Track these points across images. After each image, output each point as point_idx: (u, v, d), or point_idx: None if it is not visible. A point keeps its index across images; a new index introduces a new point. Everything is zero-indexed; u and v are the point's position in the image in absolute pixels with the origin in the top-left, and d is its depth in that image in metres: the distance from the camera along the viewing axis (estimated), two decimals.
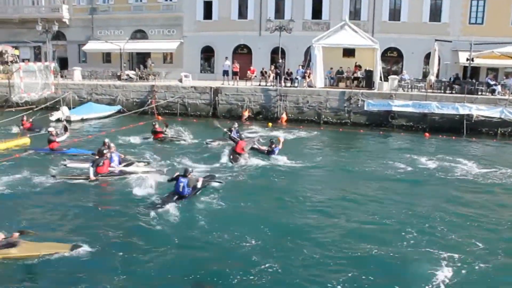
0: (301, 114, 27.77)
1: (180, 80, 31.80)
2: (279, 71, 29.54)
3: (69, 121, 26.44)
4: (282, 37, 30.51)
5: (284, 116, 27.45)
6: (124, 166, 15.06)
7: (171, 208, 11.67)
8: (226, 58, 33.44)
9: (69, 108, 28.86)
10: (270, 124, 26.64)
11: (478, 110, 25.75)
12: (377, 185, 14.80)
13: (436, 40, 29.98)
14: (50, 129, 19.06)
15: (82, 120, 27.46)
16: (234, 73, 31.54)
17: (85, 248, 9.40)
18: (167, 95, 30.23)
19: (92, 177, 13.95)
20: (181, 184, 12.38)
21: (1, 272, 8.55)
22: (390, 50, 35.98)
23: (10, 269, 8.65)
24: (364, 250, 9.71)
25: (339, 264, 9.05)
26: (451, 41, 32.54)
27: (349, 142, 22.82)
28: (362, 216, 11.82)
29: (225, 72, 31.61)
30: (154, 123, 22.04)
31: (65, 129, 20.55)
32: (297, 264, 9.04)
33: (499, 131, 25.67)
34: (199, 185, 12.70)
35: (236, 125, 21.22)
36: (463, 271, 8.89)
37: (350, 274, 8.64)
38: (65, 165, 15.61)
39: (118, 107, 30.00)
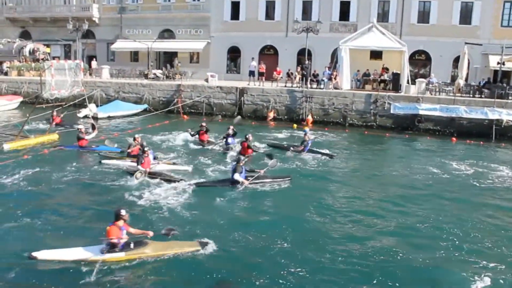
0: (327, 116, 27.65)
1: (206, 80, 32.03)
2: (305, 73, 29.50)
3: (96, 118, 26.93)
4: (309, 38, 30.47)
5: (309, 118, 27.37)
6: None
7: None
8: (253, 58, 33.54)
9: (97, 106, 29.38)
10: (295, 125, 26.58)
11: (508, 115, 25.23)
12: (403, 190, 14.64)
13: (466, 43, 29.46)
14: (80, 126, 19.44)
15: (109, 117, 27.92)
16: (260, 74, 31.59)
17: (212, 245, 9.54)
18: (193, 94, 30.48)
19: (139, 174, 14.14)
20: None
21: (136, 272, 8.63)
22: (418, 52, 35.52)
23: (144, 269, 8.76)
24: (394, 255, 9.64)
25: (368, 271, 8.99)
26: (481, 44, 31.92)
27: (375, 145, 22.57)
28: (389, 221, 11.71)
29: (251, 73, 31.70)
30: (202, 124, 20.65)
31: (93, 127, 20.94)
32: (323, 268, 9.03)
33: None
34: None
35: (230, 131, 19.58)
36: (499, 282, 8.68)
37: (376, 280, 8.59)
38: (100, 161, 16.06)
39: (145, 105, 30.39)
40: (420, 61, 36.07)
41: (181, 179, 14.08)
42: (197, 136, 20.32)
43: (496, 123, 25.03)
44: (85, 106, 28.64)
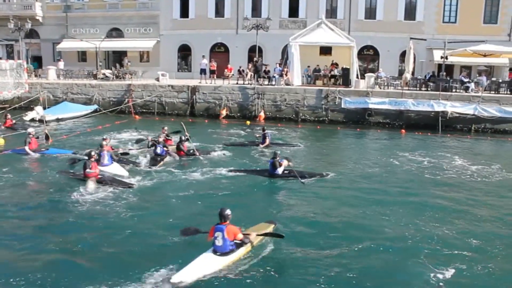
0: (279, 112, 27.84)
1: (157, 79, 31.54)
2: (259, 69, 29.59)
3: (43, 121, 25.97)
4: (259, 35, 30.56)
5: (262, 114, 27.46)
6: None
7: None
8: (203, 56, 33.30)
9: (44, 108, 28.33)
10: (248, 122, 26.67)
11: (452, 107, 26.21)
12: (356, 181, 14.89)
13: (411, 38, 30.40)
14: (30, 130, 18.51)
15: (58, 120, 26.98)
16: (212, 72, 31.41)
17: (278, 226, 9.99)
18: (144, 94, 29.96)
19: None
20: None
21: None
22: (366, 48, 36.35)
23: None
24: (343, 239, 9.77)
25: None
26: (425, 40, 33.00)
27: (327, 139, 22.89)
28: (346, 214, 11.87)
29: (202, 71, 31.48)
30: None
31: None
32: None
33: (473, 128, 26.21)
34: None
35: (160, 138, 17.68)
36: (464, 273, 8.68)
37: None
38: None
39: (94, 106, 29.56)
40: (369, 56, 36.93)
41: (132, 184, 13.51)
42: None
43: (442, 115, 25.95)
44: (32, 109, 27.63)
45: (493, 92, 28.40)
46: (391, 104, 26.48)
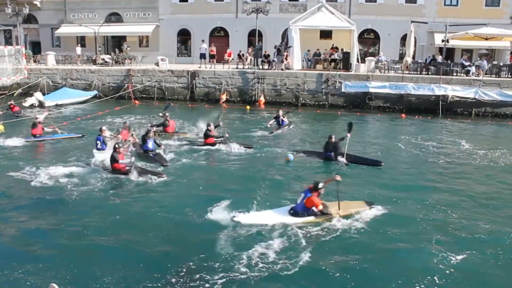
0: (279, 97, 27.75)
1: (157, 64, 31.42)
2: (261, 53, 29.48)
3: (43, 107, 26.01)
4: (259, 19, 30.30)
5: (262, 99, 27.39)
6: None
7: None
8: (203, 41, 33.09)
9: (43, 94, 28.28)
10: (248, 107, 26.63)
11: (453, 90, 26.11)
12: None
13: (412, 21, 30.24)
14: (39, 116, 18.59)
15: (57, 106, 26.94)
16: (211, 56, 31.24)
17: (379, 208, 10.68)
18: (143, 79, 29.84)
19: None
20: None
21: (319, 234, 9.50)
22: (367, 31, 36.06)
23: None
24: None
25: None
26: (427, 23, 32.81)
27: (327, 123, 22.84)
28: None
29: (202, 55, 31.30)
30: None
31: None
32: None
33: (473, 111, 26.12)
34: None
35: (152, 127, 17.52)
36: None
37: None
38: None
39: (94, 92, 29.49)
40: (369, 39, 36.64)
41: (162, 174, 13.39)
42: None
43: (442, 98, 25.85)
44: (31, 95, 27.57)
45: (494, 75, 28.23)
46: (391, 88, 26.36)
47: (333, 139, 15.07)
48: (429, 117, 24.68)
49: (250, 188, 12.01)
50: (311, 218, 9.95)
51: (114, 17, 39.35)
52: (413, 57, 30.80)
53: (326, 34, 31.41)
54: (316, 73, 27.58)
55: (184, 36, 38.74)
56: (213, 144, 16.65)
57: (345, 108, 26.50)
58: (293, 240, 9.14)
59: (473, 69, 28.25)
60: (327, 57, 29.83)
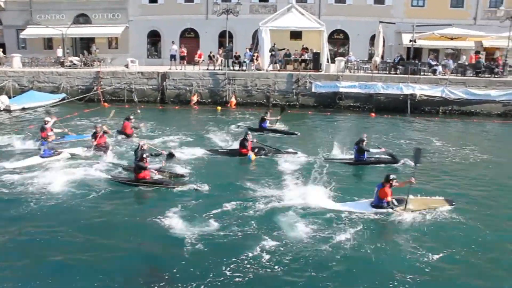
0: (250, 97, 27.81)
1: (127, 66, 31.04)
2: (232, 54, 29.46)
3: (9, 111, 25.37)
4: (230, 20, 30.26)
5: (233, 100, 27.38)
6: None
7: None
8: (173, 42, 32.91)
9: (9, 97, 27.58)
10: (219, 108, 26.60)
11: (421, 89, 26.67)
12: (319, 163, 15.10)
13: (380, 22, 30.71)
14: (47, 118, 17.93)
15: (23, 109, 26.30)
16: (182, 58, 31.07)
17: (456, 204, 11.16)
18: (113, 81, 29.41)
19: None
20: None
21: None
22: (336, 32, 36.47)
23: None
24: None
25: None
26: (394, 23, 33.36)
27: (298, 124, 22.90)
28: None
29: (172, 57, 31.10)
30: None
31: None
32: None
33: (440, 110, 26.72)
34: None
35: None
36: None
37: None
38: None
39: (62, 95, 28.89)
40: (339, 40, 37.05)
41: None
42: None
43: (411, 97, 26.38)
44: None
45: (460, 74, 28.92)
46: (361, 88, 26.74)
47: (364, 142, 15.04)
48: (398, 116, 25.08)
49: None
50: (386, 210, 10.81)
51: (82, 18, 38.69)
52: (382, 57, 31.27)
53: (296, 34, 31.57)
54: (287, 74, 27.73)
55: (154, 38, 38.40)
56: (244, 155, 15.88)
57: (316, 108, 26.73)
58: (374, 228, 10.21)
59: (439, 68, 28.88)
60: (297, 57, 29.99)
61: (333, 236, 9.54)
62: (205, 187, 12.40)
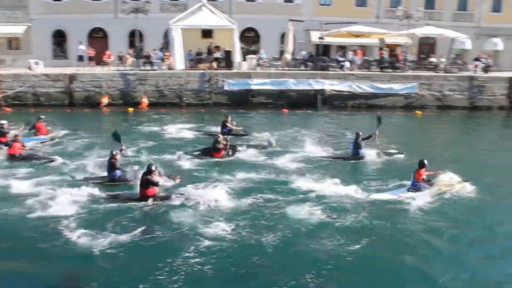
0: (162, 98, 27.27)
1: (30, 68, 29.29)
2: (142, 54, 28.77)
3: None
4: (139, 19, 29.59)
5: (145, 101, 26.72)
6: None
7: None
8: (80, 42, 31.55)
9: None
10: (131, 109, 25.87)
11: (330, 85, 27.66)
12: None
13: (290, 20, 31.45)
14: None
15: None
16: (90, 58, 29.90)
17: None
18: (15, 84, 27.60)
19: None
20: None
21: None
22: (248, 30, 36.86)
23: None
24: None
25: None
26: (303, 21, 34.30)
27: (212, 122, 22.80)
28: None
29: (80, 58, 29.85)
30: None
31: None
32: None
33: (349, 104, 27.86)
34: None
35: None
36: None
37: None
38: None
39: None
40: (250, 38, 37.46)
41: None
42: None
43: (321, 92, 27.29)
44: None
45: (366, 70, 30.34)
46: (272, 85, 27.24)
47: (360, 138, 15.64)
48: (308, 111, 25.82)
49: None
50: (422, 191, 12.12)
51: None
52: (293, 54, 32.02)
53: (207, 33, 31.42)
54: (199, 73, 27.55)
55: (59, 38, 36.53)
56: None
57: (229, 106, 26.74)
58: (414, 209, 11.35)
59: (347, 64, 30.12)
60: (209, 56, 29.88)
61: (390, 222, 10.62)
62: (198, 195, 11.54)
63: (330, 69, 29.43)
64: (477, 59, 32.86)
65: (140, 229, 9.83)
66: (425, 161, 12.34)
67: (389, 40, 34.20)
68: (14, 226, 10.03)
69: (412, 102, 28.62)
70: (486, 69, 32.05)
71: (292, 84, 27.33)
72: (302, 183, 12.85)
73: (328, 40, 32.97)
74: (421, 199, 11.70)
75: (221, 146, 15.38)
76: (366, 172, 14.55)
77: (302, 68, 29.87)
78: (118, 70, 28.74)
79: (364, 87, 28.03)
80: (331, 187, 12.46)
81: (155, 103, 26.86)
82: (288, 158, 15.58)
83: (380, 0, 37.70)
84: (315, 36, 34.17)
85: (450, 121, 26.32)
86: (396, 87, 28.42)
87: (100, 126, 22.01)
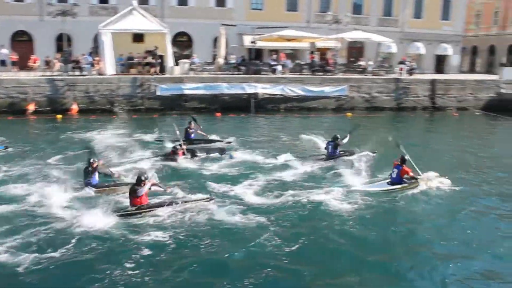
0: (93, 104, 26.42)
1: None
2: (70, 59, 27.83)
3: None
4: (68, 22, 28.82)
5: (74, 107, 25.84)
6: None
7: None
8: (2, 46, 29.98)
9: None
10: (59, 116, 24.94)
11: (263, 88, 28.09)
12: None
13: (222, 24, 31.62)
14: None
15: None
16: (13, 63, 28.53)
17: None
18: None
19: None
20: None
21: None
22: (180, 34, 36.66)
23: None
24: None
25: None
26: (235, 25, 34.63)
27: (144, 127, 22.44)
28: None
29: (2, 62, 28.44)
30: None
31: None
32: None
33: (282, 107, 28.41)
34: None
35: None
36: None
37: None
38: None
39: None
40: (183, 42, 37.30)
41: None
42: None
43: (254, 96, 27.62)
44: None
45: (298, 73, 31.05)
46: (205, 89, 27.26)
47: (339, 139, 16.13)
48: (242, 115, 26.06)
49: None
50: (405, 185, 13.23)
51: None
52: (225, 58, 32.20)
53: (138, 37, 30.92)
54: (130, 78, 27.04)
55: None
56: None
57: (162, 111, 26.48)
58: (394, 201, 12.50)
59: (279, 68, 30.69)
60: (141, 61, 29.43)
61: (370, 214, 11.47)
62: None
63: (262, 73, 29.85)
64: (401, 62, 34.55)
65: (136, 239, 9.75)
66: (406, 157, 13.38)
67: (319, 44, 35.20)
68: None
69: (342, 104, 29.61)
70: (410, 71, 33.76)
71: (225, 88, 27.48)
72: (289, 180, 13.80)
73: (260, 44, 33.44)
74: (401, 193, 13.00)
75: (179, 151, 15.45)
76: (345, 170, 14.97)
77: (235, 72, 30.08)
78: (44, 75, 27.63)
79: (296, 90, 28.69)
80: (313, 186, 13.18)
81: (86, 110, 26.01)
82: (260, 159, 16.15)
83: (310, 5, 38.76)
84: (247, 40, 34.55)
85: (378, 122, 27.44)
86: (327, 89, 29.30)
87: (27, 135, 21.08)
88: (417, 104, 31.25)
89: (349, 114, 28.21)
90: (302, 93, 28.86)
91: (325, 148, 16.22)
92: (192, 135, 18.17)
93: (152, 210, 10.96)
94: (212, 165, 15.30)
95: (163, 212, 10.90)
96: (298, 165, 15.34)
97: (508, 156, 18.30)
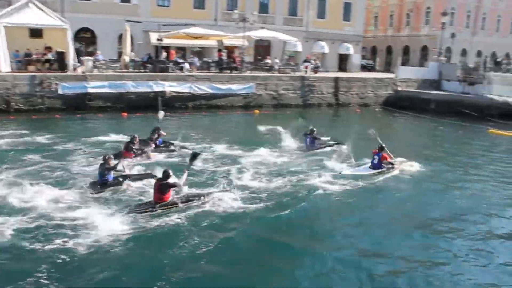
0: None
1: None
2: None
3: None
4: None
5: None
6: None
7: None
8: None
9: None
10: None
11: (170, 86, 27.89)
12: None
13: (127, 21, 30.86)
14: None
15: None
16: None
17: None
18: None
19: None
20: None
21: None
22: (83, 30, 35.22)
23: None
24: None
25: None
26: (141, 22, 33.95)
27: (46, 129, 21.17)
28: None
29: None
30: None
31: None
32: None
33: (190, 105, 28.40)
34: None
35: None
36: None
37: None
38: None
39: None
40: (87, 38, 35.82)
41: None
42: None
43: (161, 94, 27.30)
44: None
45: (205, 71, 31.14)
46: (111, 87, 26.47)
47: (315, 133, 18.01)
48: (150, 114, 25.60)
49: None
50: (383, 169, 15.20)
51: None
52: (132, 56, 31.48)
53: (36, 32, 29.26)
54: (28, 75, 25.44)
55: None
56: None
57: (65, 111, 25.23)
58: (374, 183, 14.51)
59: (187, 65, 30.61)
60: (40, 57, 27.90)
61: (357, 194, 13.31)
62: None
63: (169, 70, 29.57)
64: (306, 61, 35.93)
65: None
66: (383, 144, 15.40)
67: (227, 42, 35.60)
68: None
69: (250, 102, 30.21)
70: (315, 69, 35.21)
71: (131, 87, 26.88)
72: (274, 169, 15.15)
73: (167, 41, 33.09)
74: (383, 175, 15.06)
75: (134, 147, 15.44)
76: (325, 159, 16.51)
77: (142, 70, 29.52)
78: None
79: (204, 88, 28.81)
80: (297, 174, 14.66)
81: None
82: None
83: (217, 3, 38.98)
84: (154, 38, 34.03)
85: (285, 118, 28.27)
86: (235, 87, 29.74)
87: None
88: (322, 101, 32.70)
89: (256, 111, 28.87)
90: (210, 91, 29.04)
91: (304, 141, 18.03)
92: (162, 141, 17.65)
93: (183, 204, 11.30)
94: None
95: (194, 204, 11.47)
96: (282, 157, 16.76)
97: (409, 145, 21.86)
